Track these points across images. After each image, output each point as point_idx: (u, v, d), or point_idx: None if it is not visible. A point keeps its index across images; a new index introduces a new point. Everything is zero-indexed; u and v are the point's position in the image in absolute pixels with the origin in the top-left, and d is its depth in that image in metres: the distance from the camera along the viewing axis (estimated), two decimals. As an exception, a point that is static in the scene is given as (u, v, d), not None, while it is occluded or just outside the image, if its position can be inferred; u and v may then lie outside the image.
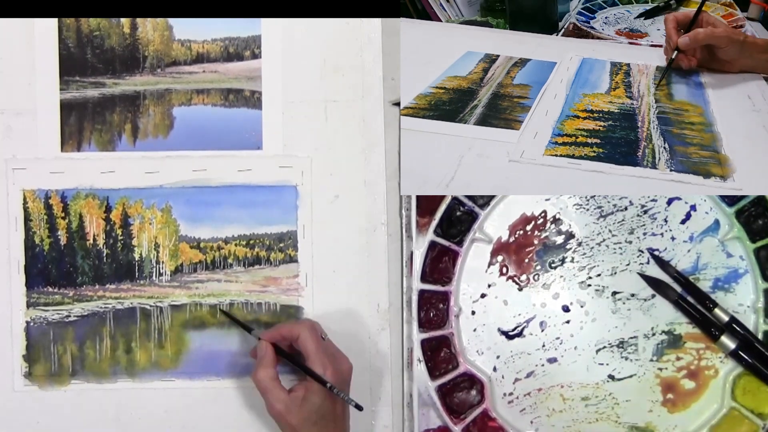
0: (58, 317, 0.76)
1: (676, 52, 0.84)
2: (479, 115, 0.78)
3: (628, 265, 0.76)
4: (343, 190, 0.76)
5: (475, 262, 0.77)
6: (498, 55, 0.94)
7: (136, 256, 0.77)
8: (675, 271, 0.75)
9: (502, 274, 0.77)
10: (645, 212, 0.76)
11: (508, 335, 0.76)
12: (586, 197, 0.77)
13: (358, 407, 0.67)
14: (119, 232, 0.77)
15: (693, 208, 0.76)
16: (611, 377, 0.76)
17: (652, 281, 0.76)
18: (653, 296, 0.76)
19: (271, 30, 0.77)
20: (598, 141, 0.73)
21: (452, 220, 0.76)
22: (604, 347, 0.76)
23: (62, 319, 0.76)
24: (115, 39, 0.77)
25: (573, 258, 0.76)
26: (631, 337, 0.76)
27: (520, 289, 0.77)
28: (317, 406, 0.66)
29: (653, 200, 0.76)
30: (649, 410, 0.76)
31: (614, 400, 0.76)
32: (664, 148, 0.72)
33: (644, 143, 0.73)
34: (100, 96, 0.77)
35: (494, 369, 0.76)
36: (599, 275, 0.76)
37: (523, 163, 0.70)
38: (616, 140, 0.73)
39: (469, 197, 0.76)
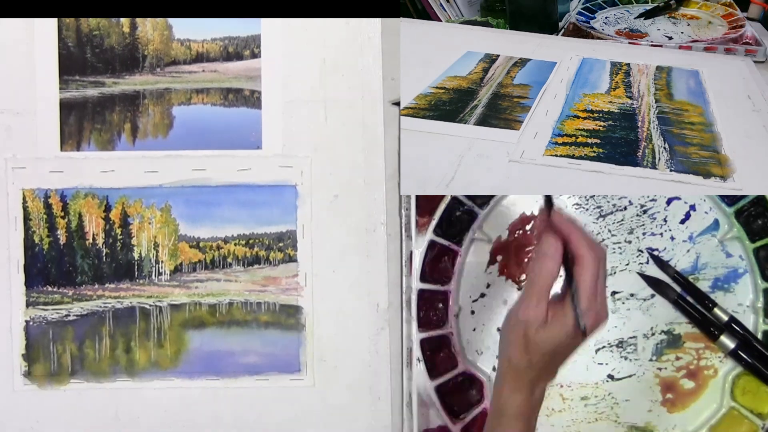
0: (57, 317, 0.76)
1: None
2: (479, 115, 0.78)
3: (627, 264, 0.76)
4: (343, 190, 0.76)
5: (474, 261, 0.76)
6: (498, 55, 0.93)
7: (136, 256, 0.77)
8: (674, 270, 0.75)
9: (501, 273, 0.77)
10: (644, 212, 0.76)
11: (508, 335, 0.76)
12: (585, 197, 0.77)
13: None
14: (119, 231, 0.77)
15: (692, 207, 0.76)
16: (611, 377, 0.76)
17: (651, 281, 0.76)
18: (653, 296, 0.76)
19: (271, 30, 0.77)
20: (598, 141, 0.73)
21: (452, 219, 0.76)
22: (604, 347, 0.76)
23: (62, 318, 0.76)
24: (115, 38, 0.77)
25: (573, 258, 0.76)
26: (631, 337, 0.76)
27: (520, 289, 0.76)
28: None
29: (653, 200, 0.76)
30: (648, 410, 0.76)
31: (614, 400, 0.76)
32: (664, 148, 0.72)
33: (644, 143, 0.73)
34: (99, 95, 0.77)
35: (494, 368, 0.76)
36: (599, 275, 0.76)
37: (523, 163, 0.70)
38: (616, 140, 0.73)
39: (469, 197, 0.76)
